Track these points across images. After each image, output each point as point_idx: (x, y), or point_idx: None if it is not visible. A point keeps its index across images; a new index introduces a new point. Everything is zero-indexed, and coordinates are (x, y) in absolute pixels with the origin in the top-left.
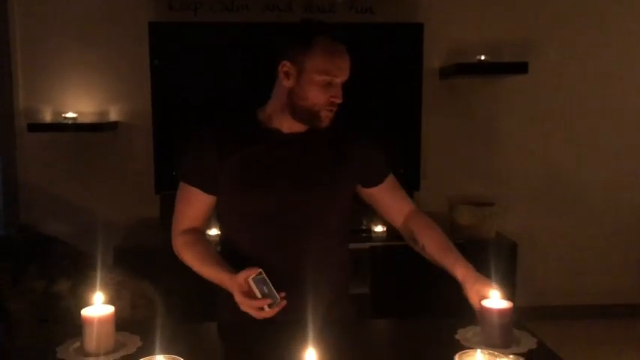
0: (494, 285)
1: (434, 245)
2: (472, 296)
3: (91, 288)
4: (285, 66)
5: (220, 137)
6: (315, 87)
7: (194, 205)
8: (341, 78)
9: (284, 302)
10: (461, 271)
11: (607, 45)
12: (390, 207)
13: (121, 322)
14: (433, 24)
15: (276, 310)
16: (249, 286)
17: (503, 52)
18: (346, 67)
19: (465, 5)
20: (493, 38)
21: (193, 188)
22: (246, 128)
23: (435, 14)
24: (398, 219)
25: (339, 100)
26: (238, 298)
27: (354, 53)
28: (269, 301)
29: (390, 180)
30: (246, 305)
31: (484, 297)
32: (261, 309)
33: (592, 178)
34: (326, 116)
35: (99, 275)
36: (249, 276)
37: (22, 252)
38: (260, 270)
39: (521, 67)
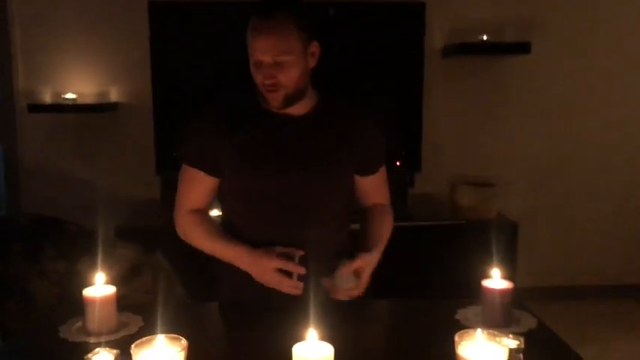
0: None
1: (365, 229)
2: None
3: (110, 265)
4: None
5: (220, 119)
6: (252, 67)
7: (196, 186)
8: (264, 58)
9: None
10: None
11: (611, 24)
12: (368, 194)
13: (146, 296)
14: (435, 3)
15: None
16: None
17: (506, 31)
18: (265, 46)
19: None
20: (496, 18)
21: (196, 170)
22: (246, 109)
23: None
24: (366, 204)
25: (266, 81)
26: (275, 276)
27: (356, 32)
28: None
29: (382, 171)
30: (286, 284)
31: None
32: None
33: (593, 159)
34: (270, 97)
35: (118, 253)
36: (298, 254)
37: (31, 234)
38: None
39: (523, 47)
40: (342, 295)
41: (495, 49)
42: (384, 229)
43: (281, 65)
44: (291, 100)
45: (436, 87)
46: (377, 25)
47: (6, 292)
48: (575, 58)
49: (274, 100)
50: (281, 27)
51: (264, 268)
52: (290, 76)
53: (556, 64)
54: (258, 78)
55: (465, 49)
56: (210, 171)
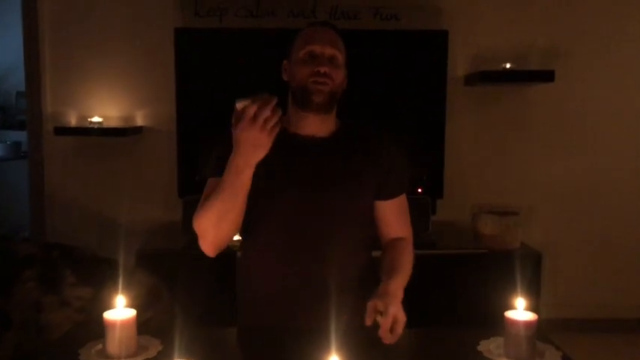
0: (389, 303)
1: (386, 261)
2: (367, 308)
3: (130, 290)
4: (284, 65)
5: None
6: (299, 64)
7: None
8: (320, 47)
9: (274, 99)
10: (380, 286)
11: (635, 53)
12: (389, 225)
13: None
14: (458, 31)
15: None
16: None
17: (530, 59)
18: (324, 38)
19: (491, 12)
20: (519, 46)
21: (218, 179)
22: None
23: (460, 21)
24: (386, 237)
25: (322, 69)
26: (238, 129)
27: (379, 60)
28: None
29: (402, 199)
30: (243, 125)
31: (376, 307)
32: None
33: (619, 189)
34: (315, 89)
35: (136, 278)
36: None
37: (43, 262)
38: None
39: (547, 75)
40: (388, 339)
41: (519, 77)
42: (403, 258)
43: (334, 61)
44: (329, 103)
45: (459, 114)
46: (400, 52)
47: (5, 326)
48: (600, 86)
49: (320, 93)
50: (335, 34)
51: (253, 133)
52: (338, 74)
53: (580, 92)
54: (309, 70)
55: (487, 77)
56: None
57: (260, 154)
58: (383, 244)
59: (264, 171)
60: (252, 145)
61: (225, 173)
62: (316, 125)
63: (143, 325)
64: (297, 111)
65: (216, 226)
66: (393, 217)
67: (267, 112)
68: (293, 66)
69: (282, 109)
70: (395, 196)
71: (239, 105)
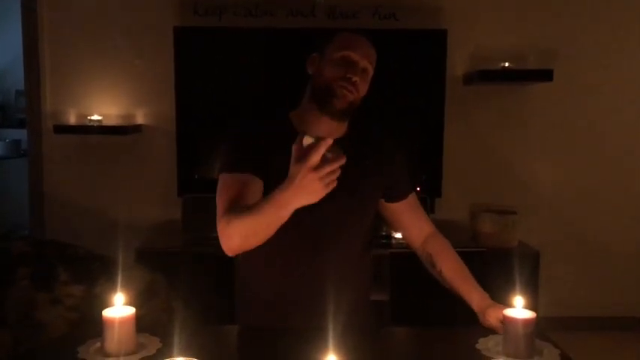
0: (500, 312)
1: (451, 272)
2: (492, 322)
3: (126, 287)
4: (312, 57)
5: (257, 135)
6: (332, 63)
7: (241, 191)
8: (358, 56)
9: (343, 158)
10: (477, 301)
11: (634, 52)
12: (410, 225)
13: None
14: (457, 30)
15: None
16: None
17: (528, 59)
18: (363, 49)
19: (489, 11)
20: (518, 45)
21: (243, 175)
22: (279, 131)
23: (458, 20)
24: (417, 240)
25: (354, 77)
26: (296, 170)
27: (378, 60)
28: (342, 160)
29: (413, 197)
30: (304, 171)
31: (496, 321)
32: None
33: (617, 188)
34: (341, 93)
35: (132, 274)
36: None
37: (36, 260)
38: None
39: (546, 75)
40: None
41: (517, 76)
42: (459, 262)
43: (365, 74)
44: (346, 111)
45: (457, 113)
46: (399, 51)
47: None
48: (598, 85)
49: (343, 99)
50: (374, 50)
51: (310, 180)
52: (364, 88)
53: (579, 92)
54: (340, 71)
55: (486, 76)
56: (258, 173)
57: (310, 200)
58: (417, 248)
59: (274, 172)
60: (306, 191)
61: (267, 202)
62: (329, 128)
63: (137, 322)
64: (313, 110)
65: (245, 240)
66: (411, 215)
67: (333, 167)
68: (325, 63)
69: (296, 103)
70: (406, 195)
71: (305, 140)
